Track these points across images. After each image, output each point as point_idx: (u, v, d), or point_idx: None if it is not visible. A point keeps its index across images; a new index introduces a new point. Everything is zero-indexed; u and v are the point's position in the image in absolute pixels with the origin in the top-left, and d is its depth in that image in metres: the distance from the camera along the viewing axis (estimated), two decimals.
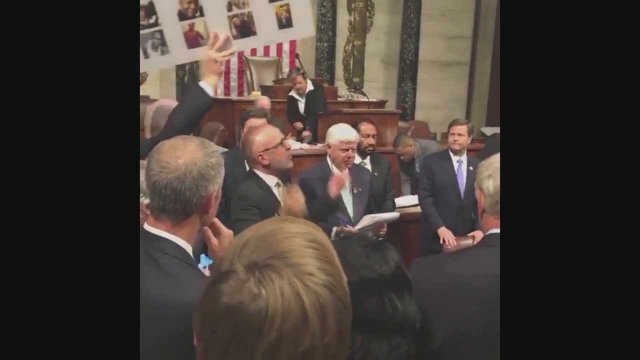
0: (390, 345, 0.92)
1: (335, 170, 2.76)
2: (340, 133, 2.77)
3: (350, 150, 2.73)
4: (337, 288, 0.58)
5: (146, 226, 1.09)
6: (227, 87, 7.02)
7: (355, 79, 7.75)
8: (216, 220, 1.17)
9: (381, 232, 2.81)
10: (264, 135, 2.21)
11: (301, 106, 5.21)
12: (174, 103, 2.14)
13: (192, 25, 1.77)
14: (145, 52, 1.78)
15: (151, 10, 1.74)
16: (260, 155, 2.18)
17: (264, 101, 4.91)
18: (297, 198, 2.06)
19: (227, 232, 1.19)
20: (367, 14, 7.84)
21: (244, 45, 1.84)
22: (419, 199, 3.48)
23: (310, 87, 5.21)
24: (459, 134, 3.34)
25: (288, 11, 1.80)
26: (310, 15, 1.87)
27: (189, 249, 1.08)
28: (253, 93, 6.12)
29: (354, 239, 0.99)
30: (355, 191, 2.78)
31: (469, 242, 2.79)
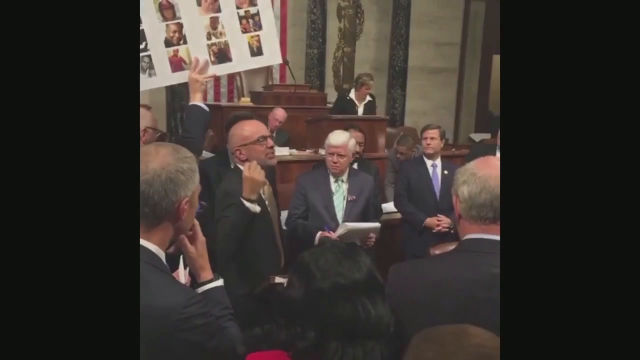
0: (364, 350, 0.92)
1: (331, 177, 2.77)
2: (328, 138, 2.76)
3: (335, 155, 2.69)
4: None
5: None
6: (217, 93, 7.01)
7: (345, 86, 7.76)
8: (195, 223, 1.16)
9: (369, 243, 2.72)
10: (243, 130, 2.16)
11: (360, 112, 5.33)
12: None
13: (176, 52, 2.09)
14: None
15: (142, 36, 2.04)
16: (238, 149, 2.14)
17: (280, 112, 4.88)
18: (255, 175, 2.02)
19: (202, 238, 1.18)
20: (357, 21, 7.87)
21: (221, 70, 2.16)
22: (396, 202, 3.51)
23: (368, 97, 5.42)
24: (432, 138, 3.43)
25: (259, 41, 2.16)
26: (278, 45, 2.24)
27: (161, 254, 1.08)
28: (242, 99, 6.11)
29: (327, 245, 0.99)
30: (349, 198, 2.74)
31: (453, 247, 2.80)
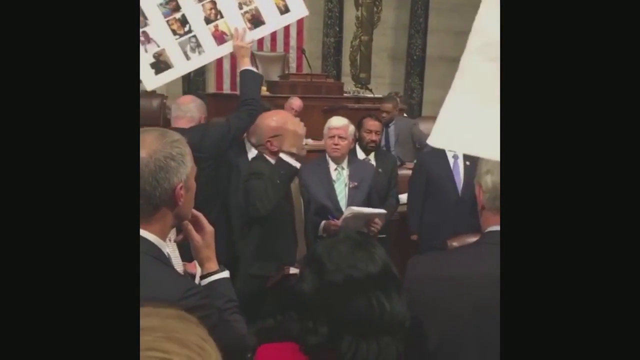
0: (380, 346, 0.89)
1: (331, 165, 2.73)
2: (328, 122, 2.80)
3: (336, 137, 2.68)
4: None
5: None
6: (233, 83, 7.01)
7: (362, 75, 7.69)
8: (199, 215, 1.13)
9: (372, 229, 2.64)
10: (275, 120, 2.14)
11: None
12: (190, 98, 2.65)
13: (216, 27, 2.30)
14: (186, 55, 2.28)
15: (184, 20, 2.27)
16: (269, 141, 2.11)
17: (297, 101, 4.83)
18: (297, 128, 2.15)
19: (209, 228, 1.15)
20: (375, 9, 7.78)
21: (259, 33, 2.37)
22: (409, 195, 3.41)
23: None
24: None
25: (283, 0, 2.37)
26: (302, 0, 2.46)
27: (161, 245, 1.04)
28: None
29: (340, 237, 0.96)
30: (351, 185, 2.71)
31: (473, 239, 2.73)
